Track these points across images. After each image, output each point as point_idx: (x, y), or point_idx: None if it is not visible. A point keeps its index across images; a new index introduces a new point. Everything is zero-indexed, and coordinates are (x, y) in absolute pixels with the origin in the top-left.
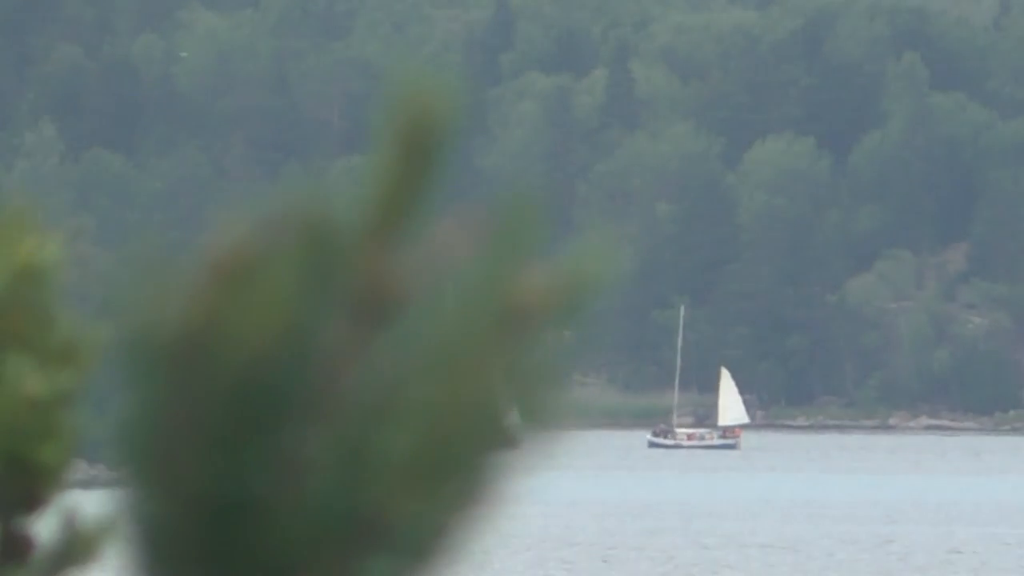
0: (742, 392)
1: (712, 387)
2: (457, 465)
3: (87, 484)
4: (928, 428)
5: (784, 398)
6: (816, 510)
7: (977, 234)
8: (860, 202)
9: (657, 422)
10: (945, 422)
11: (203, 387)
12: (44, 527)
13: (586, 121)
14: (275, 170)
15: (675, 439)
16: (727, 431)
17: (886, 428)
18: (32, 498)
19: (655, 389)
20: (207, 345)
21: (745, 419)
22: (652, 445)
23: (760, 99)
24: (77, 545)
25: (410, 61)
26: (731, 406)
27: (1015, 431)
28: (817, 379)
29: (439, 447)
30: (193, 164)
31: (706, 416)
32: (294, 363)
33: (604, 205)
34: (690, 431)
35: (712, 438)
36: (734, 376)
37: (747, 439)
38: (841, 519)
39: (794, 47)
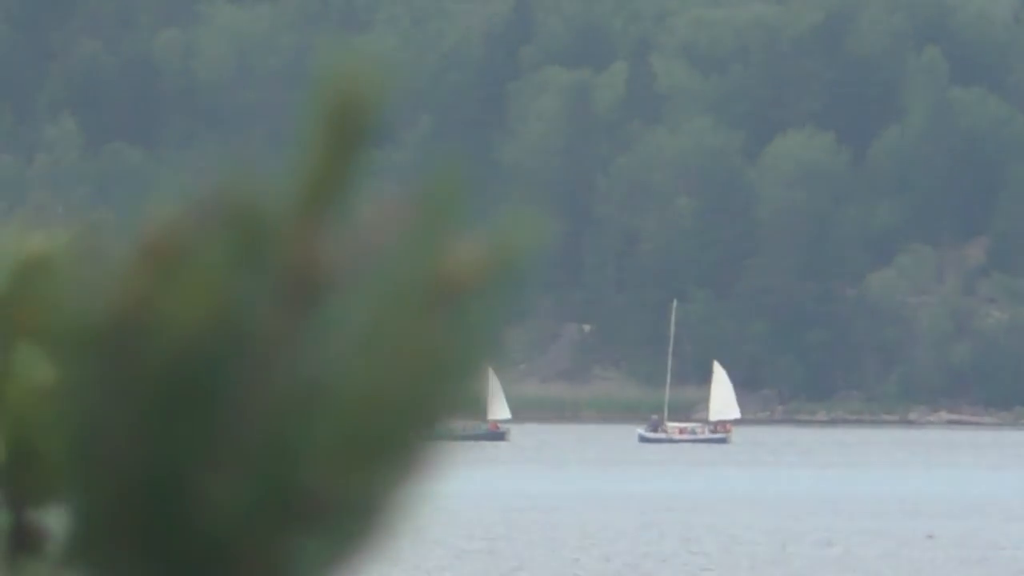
0: (762, 387)
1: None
2: (390, 445)
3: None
4: (948, 423)
5: (804, 393)
6: (799, 505)
7: (997, 228)
8: (880, 196)
9: (679, 415)
10: (965, 416)
11: (135, 370)
12: (57, 518)
13: (606, 115)
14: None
15: (666, 433)
16: (718, 425)
17: (906, 423)
18: (45, 489)
19: (676, 383)
20: (139, 329)
21: (737, 414)
22: (643, 440)
23: (780, 93)
24: None
25: (340, 44)
26: (723, 400)
27: None
28: (837, 374)
29: (372, 426)
30: (213, 158)
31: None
32: (225, 345)
33: (624, 199)
34: (681, 425)
35: (703, 432)
36: (754, 371)
37: (765, 434)
38: (825, 513)
39: (814, 41)
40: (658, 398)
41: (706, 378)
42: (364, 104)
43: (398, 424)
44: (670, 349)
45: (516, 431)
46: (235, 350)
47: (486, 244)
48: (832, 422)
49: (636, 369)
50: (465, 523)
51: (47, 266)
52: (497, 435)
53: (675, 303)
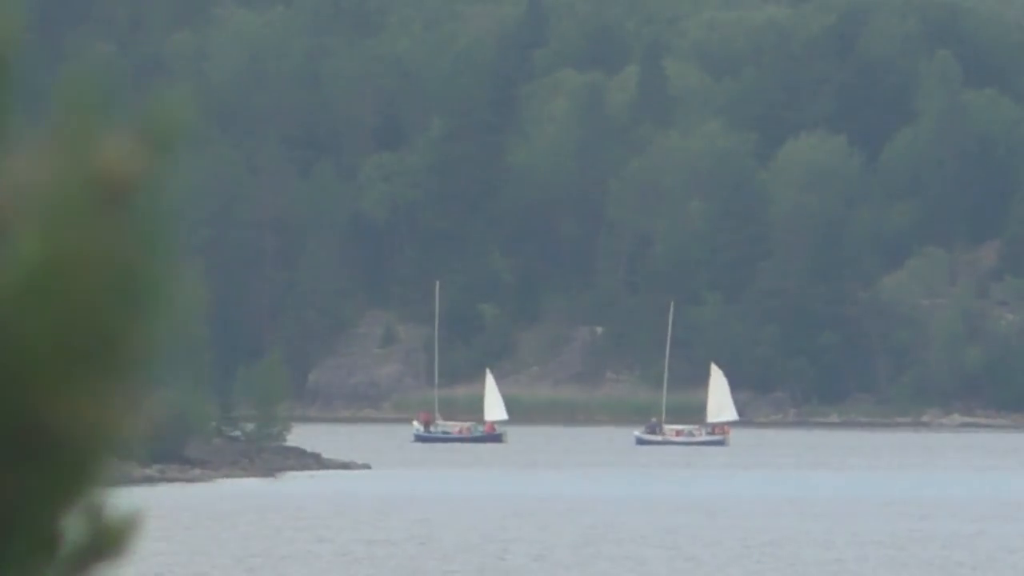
0: (774, 390)
1: (738, 385)
2: (95, 351)
3: (114, 480)
4: (961, 425)
5: (816, 396)
6: (795, 507)
7: (1009, 231)
8: (892, 199)
9: (689, 418)
10: (978, 419)
11: None
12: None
13: (618, 118)
14: (307, 167)
15: (663, 435)
16: (716, 428)
17: (919, 425)
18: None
19: (687, 386)
20: None
21: (734, 416)
22: (640, 442)
23: (792, 96)
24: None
25: None
26: (721, 403)
27: None
28: (850, 376)
29: (72, 335)
30: (225, 161)
31: (739, 413)
32: None
33: (636, 202)
34: (678, 427)
35: (700, 435)
36: (767, 374)
37: (771, 437)
38: (819, 516)
39: (826, 44)
40: (670, 400)
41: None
42: None
43: (99, 338)
44: (667, 351)
45: (514, 433)
46: None
47: (135, 131)
48: (844, 425)
49: (648, 372)
50: (448, 524)
51: None
52: (494, 437)
53: (672, 305)
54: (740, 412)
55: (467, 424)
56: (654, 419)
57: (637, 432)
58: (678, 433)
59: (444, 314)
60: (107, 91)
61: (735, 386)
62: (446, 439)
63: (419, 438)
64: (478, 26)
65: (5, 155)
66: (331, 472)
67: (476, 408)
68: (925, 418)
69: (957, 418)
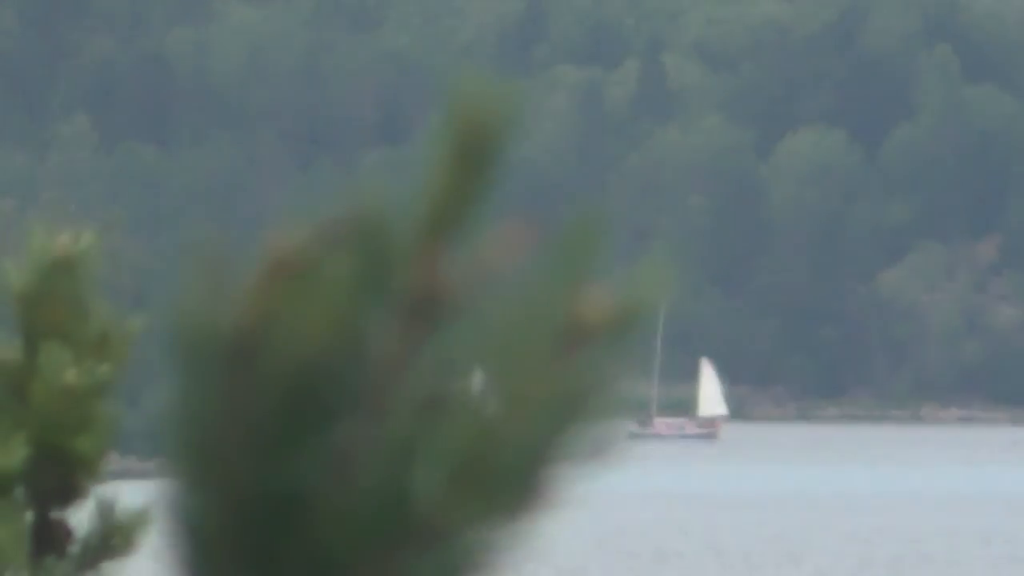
0: (774, 385)
1: (738, 380)
2: (506, 479)
3: (121, 475)
4: (960, 420)
5: (815, 390)
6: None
7: (1009, 226)
8: (891, 194)
9: (691, 413)
10: (977, 413)
11: (256, 385)
12: (81, 518)
13: (617, 113)
14: (307, 163)
15: (653, 429)
16: (706, 422)
17: (917, 420)
18: (69, 489)
19: (688, 380)
20: (261, 343)
21: (724, 410)
22: (631, 435)
23: (792, 91)
24: (114, 536)
25: (469, 66)
26: (711, 397)
27: None
28: (848, 371)
29: (491, 453)
30: (226, 156)
31: (738, 407)
32: (346, 363)
33: (635, 198)
34: (668, 421)
35: (691, 429)
36: (766, 368)
37: (777, 431)
38: (803, 510)
39: (826, 39)
40: (669, 395)
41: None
42: (492, 130)
43: (515, 460)
44: (658, 345)
45: None
46: (355, 368)
47: (616, 294)
48: (843, 419)
49: (648, 367)
50: None
51: (72, 266)
52: None
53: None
54: (739, 406)
55: None
56: (643, 413)
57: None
58: (668, 427)
59: None
60: (604, 240)
61: (734, 381)
62: None
63: None
64: (477, 21)
65: (473, 242)
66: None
67: None
68: (923, 412)
69: (955, 412)
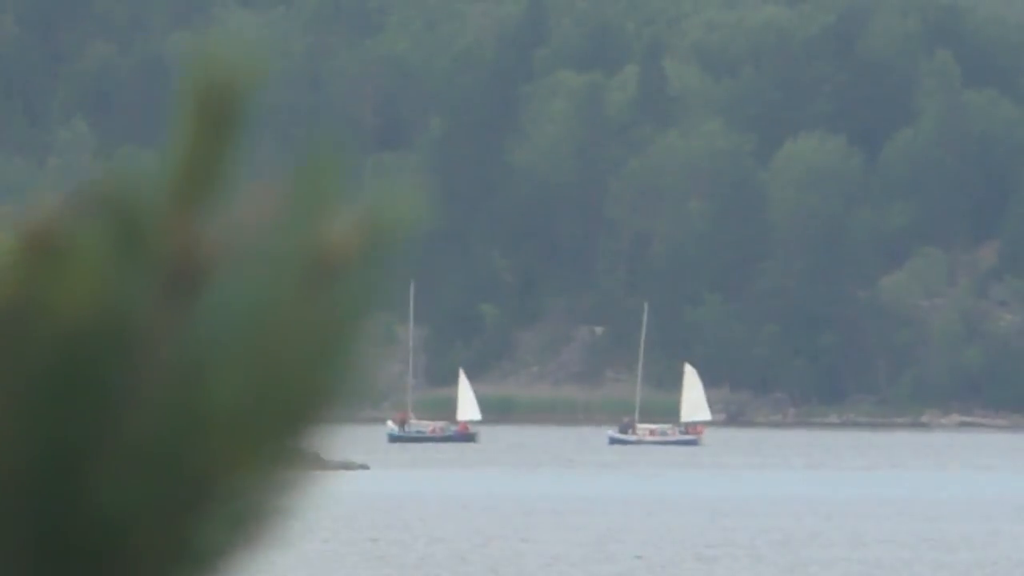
0: (774, 390)
1: (738, 385)
2: (281, 426)
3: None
4: (960, 425)
5: (816, 396)
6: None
7: (1009, 231)
8: (892, 199)
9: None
10: (977, 419)
11: (17, 359)
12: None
13: (618, 118)
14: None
15: (636, 435)
16: (689, 427)
17: (918, 426)
18: None
19: (673, 386)
20: (21, 318)
21: (708, 416)
22: (613, 441)
23: (792, 96)
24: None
25: (210, 34)
26: (695, 403)
27: None
28: (849, 377)
29: (261, 409)
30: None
31: (738, 413)
32: (107, 335)
33: (635, 202)
34: (651, 427)
35: (674, 434)
36: (766, 374)
37: (777, 437)
38: (780, 516)
39: (826, 44)
40: (670, 400)
41: (715, 381)
42: (234, 91)
43: (287, 405)
44: (641, 349)
45: (487, 433)
46: (117, 339)
47: (361, 218)
48: (844, 425)
49: (649, 372)
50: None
51: None
52: (467, 437)
53: (646, 305)
54: (739, 412)
55: (440, 424)
56: (626, 419)
57: (610, 432)
58: (651, 433)
59: (444, 314)
60: (344, 168)
61: (734, 386)
62: (420, 439)
63: (393, 438)
64: (478, 26)
65: (225, 205)
66: (330, 472)
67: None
68: (924, 418)
69: (956, 418)
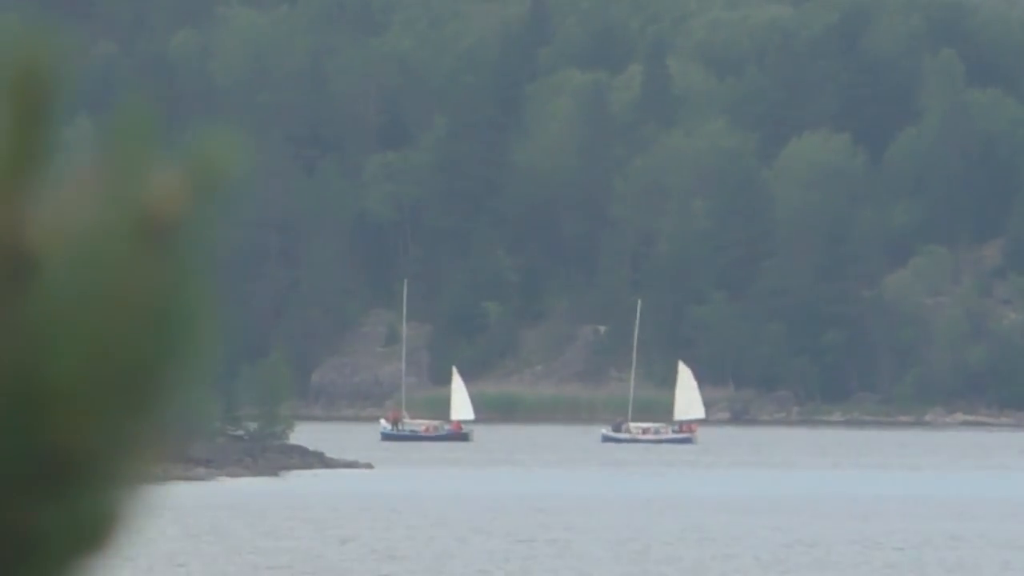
0: (778, 389)
1: (742, 384)
2: (125, 396)
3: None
4: (964, 424)
5: (820, 394)
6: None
7: (1013, 229)
8: (896, 198)
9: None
10: (981, 418)
11: None
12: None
13: (622, 117)
14: (311, 165)
15: (629, 434)
16: (683, 426)
17: (922, 424)
18: None
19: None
20: None
21: (702, 414)
22: (606, 440)
23: (796, 95)
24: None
25: (9, 20)
26: (688, 401)
27: None
28: (853, 375)
29: (100, 380)
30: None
31: (742, 411)
32: None
33: (639, 201)
34: (644, 426)
35: (667, 433)
36: (770, 372)
37: (781, 435)
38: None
39: (830, 43)
40: (670, 398)
41: (719, 380)
42: (42, 78)
43: (129, 378)
44: (634, 346)
45: (481, 432)
46: None
47: (182, 174)
48: (848, 423)
49: (651, 371)
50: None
51: None
52: (460, 436)
53: (639, 302)
54: (743, 410)
55: (434, 423)
56: (619, 417)
57: (603, 430)
58: (644, 431)
59: (447, 312)
60: (156, 127)
61: (738, 385)
62: (413, 437)
63: (386, 436)
64: (482, 25)
65: (48, 187)
66: (335, 471)
67: (476, 406)
68: (928, 417)
69: (960, 417)
